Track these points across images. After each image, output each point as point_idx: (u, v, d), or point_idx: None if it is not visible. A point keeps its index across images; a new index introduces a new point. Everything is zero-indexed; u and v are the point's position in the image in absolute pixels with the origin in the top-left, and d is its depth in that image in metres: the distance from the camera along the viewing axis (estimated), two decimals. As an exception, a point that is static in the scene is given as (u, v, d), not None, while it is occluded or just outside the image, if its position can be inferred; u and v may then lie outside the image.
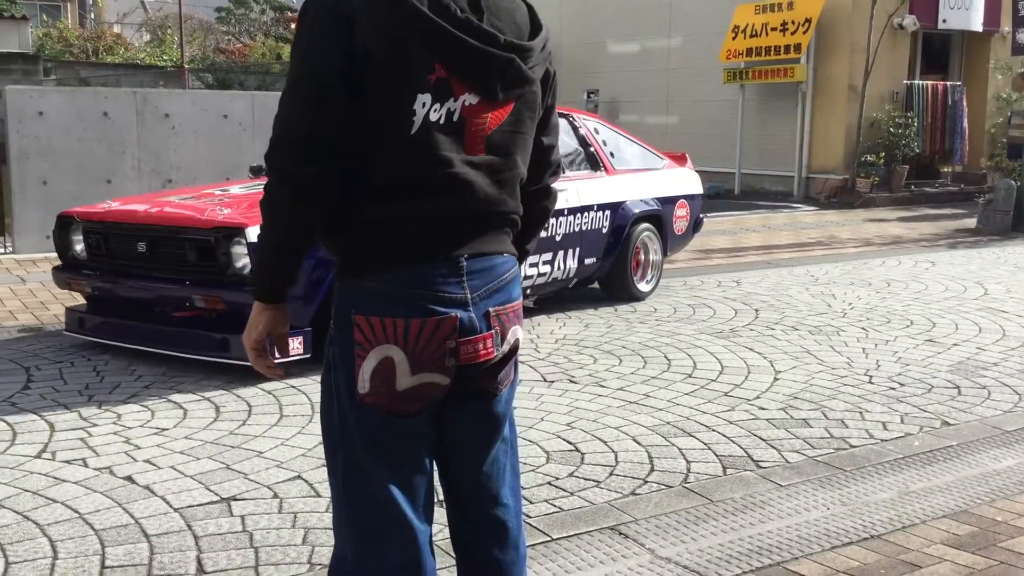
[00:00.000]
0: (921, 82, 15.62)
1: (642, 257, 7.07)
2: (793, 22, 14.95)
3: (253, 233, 4.50)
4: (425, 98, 1.70)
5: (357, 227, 1.76)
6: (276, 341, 1.86)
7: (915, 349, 5.61)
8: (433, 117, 1.71)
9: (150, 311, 5.31)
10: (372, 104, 1.69)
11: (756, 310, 6.76)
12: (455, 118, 1.74)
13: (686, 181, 7.66)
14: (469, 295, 1.78)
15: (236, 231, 4.76)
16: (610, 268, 6.82)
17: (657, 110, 17.95)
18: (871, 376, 5.04)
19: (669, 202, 7.33)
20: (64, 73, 23.19)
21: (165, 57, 27.29)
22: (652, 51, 17.99)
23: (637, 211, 6.93)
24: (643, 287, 7.08)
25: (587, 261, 6.60)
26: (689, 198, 7.59)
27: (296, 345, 4.72)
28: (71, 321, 5.59)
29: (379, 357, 1.75)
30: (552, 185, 2.05)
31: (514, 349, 1.89)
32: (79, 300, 5.90)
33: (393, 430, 1.79)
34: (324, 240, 1.84)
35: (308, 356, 4.73)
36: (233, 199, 5.47)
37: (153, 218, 5.22)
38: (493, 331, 1.82)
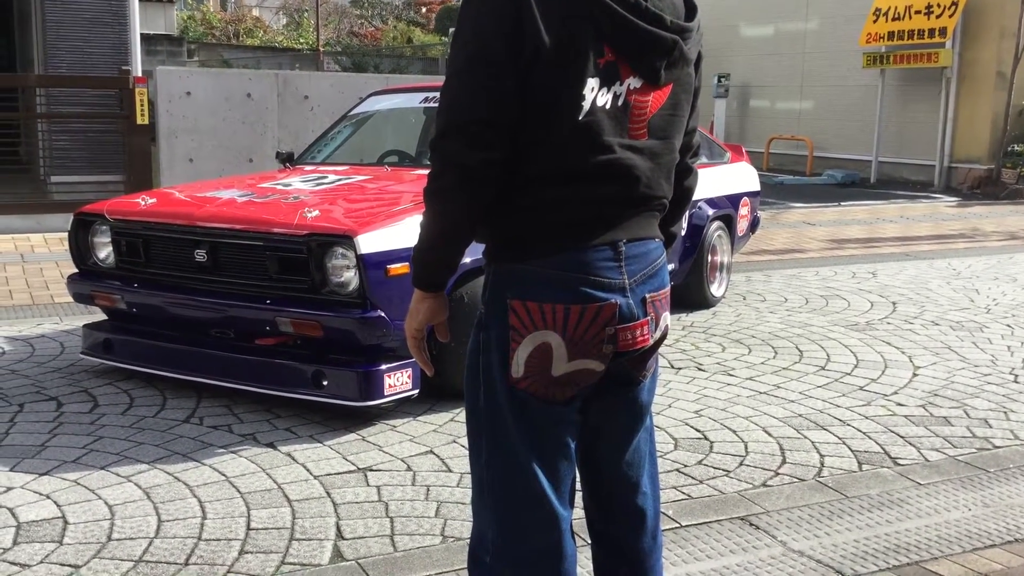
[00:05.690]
0: (1077, 68, 14.79)
1: (715, 259, 6.47)
2: (939, 5, 14.35)
3: (365, 243, 3.78)
4: (594, 83, 1.68)
5: (517, 211, 1.74)
6: (436, 328, 1.88)
7: (1065, 349, 5.35)
8: (600, 102, 1.70)
9: (204, 334, 4.30)
10: (542, 89, 1.67)
11: (893, 303, 6.55)
12: (620, 102, 1.72)
13: (748, 177, 7.04)
14: (627, 280, 1.77)
15: (338, 240, 3.83)
16: (687, 274, 6.17)
17: (790, 95, 17.52)
18: (1016, 375, 4.83)
19: (735, 200, 6.73)
20: (206, 55, 24.17)
21: (301, 40, 28.10)
22: (787, 34, 17.55)
23: (712, 211, 6.32)
24: (716, 291, 6.47)
25: (669, 267, 5.91)
26: (751, 195, 7.01)
27: (405, 379, 3.97)
28: (92, 343, 4.58)
29: (536, 343, 1.73)
30: (694, 165, 2.03)
31: (664, 336, 1.88)
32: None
33: (544, 416, 1.79)
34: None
35: (416, 393, 4.06)
36: (313, 195, 4.47)
37: (218, 219, 4.15)
38: (649, 318, 1.81)
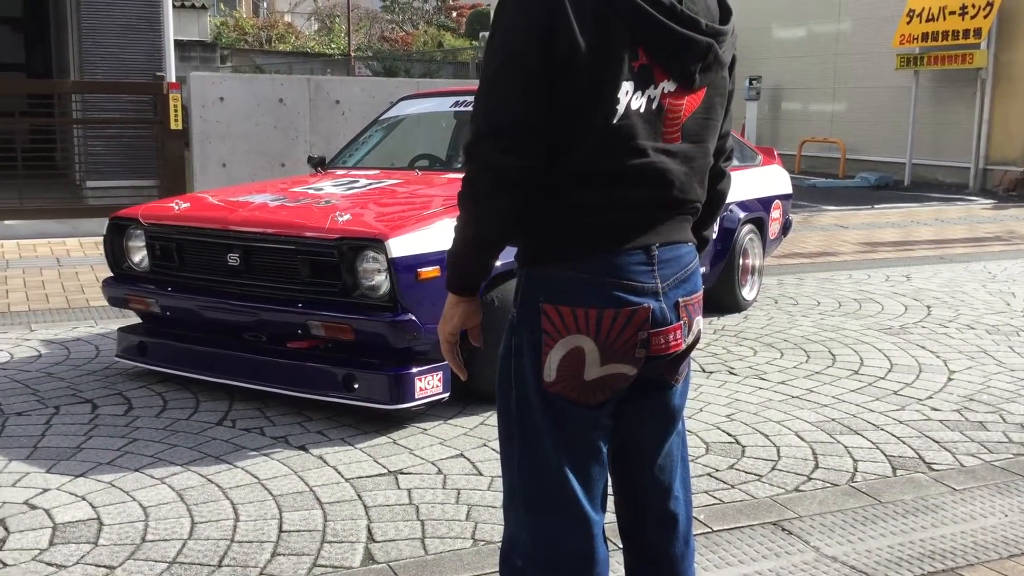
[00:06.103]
0: (1116, 68, 14.57)
1: (747, 263, 6.40)
2: (973, 5, 14.20)
3: (396, 247, 3.80)
4: (628, 86, 1.67)
5: (549, 214, 1.74)
6: (470, 332, 1.88)
7: (1104, 353, 5.26)
8: (634, 105, 1.69)
9: (237, 337, 4.31)
10: (576, 92, 1.66)
11: (928, 307, 6.48)
12: (655, 106, 1.71)
13: (779, 180, 6.97)
14: (660, 285, 1.76)
15: (369, 243, 3.86)
16: (718, 277, 6.12)
17: (823, 97, 17.40)
18: (1055, 380, 4.77)
19: (767, 203, 6.67)
20: (239, 60, 24.37)
21: (333, 45, 28.25)
22: (819, 36, 17.43)
23: (744, 214, 6.25)
24: (747, 295, 6.42)
25: (700, 271, 5.82)
26: (783, 198, 6.94)
27: (435, 383, 3.99)
28: (126, 346, 4.63)
29: (568, 347, 1.73)
30: (727, 169, 2.02)
31: (696, 340, 1.88)
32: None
33: (576, 420, 1.78)
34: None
35: (447, 396, 4.09)
36: (345, 199, 4.48)
37: (251, 223, 4.19)
38: (682, 322, 1.80)
